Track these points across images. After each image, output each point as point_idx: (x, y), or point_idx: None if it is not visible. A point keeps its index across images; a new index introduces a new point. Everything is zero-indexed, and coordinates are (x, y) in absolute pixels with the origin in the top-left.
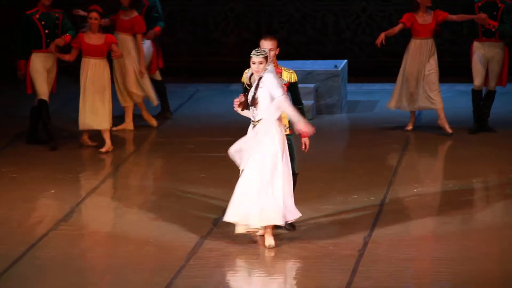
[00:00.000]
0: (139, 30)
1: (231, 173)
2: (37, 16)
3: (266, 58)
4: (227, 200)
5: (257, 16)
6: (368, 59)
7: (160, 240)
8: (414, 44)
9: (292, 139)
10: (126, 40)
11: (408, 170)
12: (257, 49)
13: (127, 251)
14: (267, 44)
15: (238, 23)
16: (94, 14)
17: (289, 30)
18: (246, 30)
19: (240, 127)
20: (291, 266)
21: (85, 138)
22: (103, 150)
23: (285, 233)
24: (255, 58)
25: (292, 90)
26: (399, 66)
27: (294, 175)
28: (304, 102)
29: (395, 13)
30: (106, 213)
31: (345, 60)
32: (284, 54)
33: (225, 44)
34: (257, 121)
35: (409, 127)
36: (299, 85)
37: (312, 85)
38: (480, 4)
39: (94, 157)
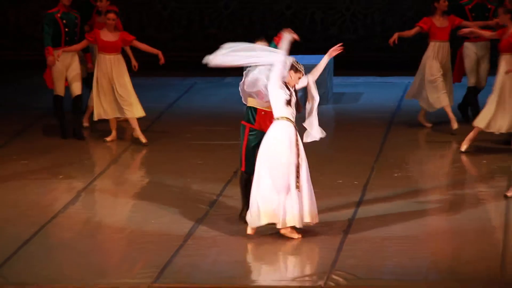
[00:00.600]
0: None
1: (227, 160)
2: (59, 15)
3: None
4: (221, 185)
5: (250, 14)
6: (353, 54)
7: (160, 222)
8: (433, 47)
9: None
10: None
11: (389, 157)
12: (298, 63)
13: (130, 233)
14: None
15: (232, 20)
16: (112, 15)
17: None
18: (241, 26)
19: (235, 116)
20: (280, 246)
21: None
22: (108, 139)
23: None
24: (300, 74)
25: None
26: (382, 61)
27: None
28: None
29: (377, 11)
30: (110, 198)
31: None
32: None
33: (221, 40)
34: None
35: (454, 126)
36: None
37: None
38: (470, 7)
39: (98, 145)
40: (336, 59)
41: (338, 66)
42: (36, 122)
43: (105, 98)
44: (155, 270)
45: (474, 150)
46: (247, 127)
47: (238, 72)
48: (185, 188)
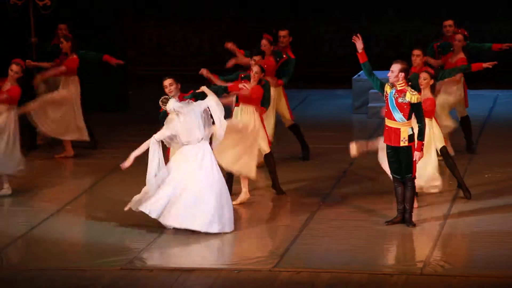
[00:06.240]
0: None
1: (337, 161)
2: None
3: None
4: (332, 183)
5: None
6: None
7: (279, 214)
8: None
9: None
10: None
11: (481, 160)
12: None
13: (250, 224)
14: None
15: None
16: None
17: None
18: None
19: (345, 124)
20: (385, 236)
21: None
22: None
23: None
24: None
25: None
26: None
27: None
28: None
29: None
30: None
31: None
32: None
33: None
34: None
35: None
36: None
37: None
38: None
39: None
40: None
41: None
42: None
43: None
44: (275, 257)
45: None
46: None
47: (348, 85)
48: (298, 185)
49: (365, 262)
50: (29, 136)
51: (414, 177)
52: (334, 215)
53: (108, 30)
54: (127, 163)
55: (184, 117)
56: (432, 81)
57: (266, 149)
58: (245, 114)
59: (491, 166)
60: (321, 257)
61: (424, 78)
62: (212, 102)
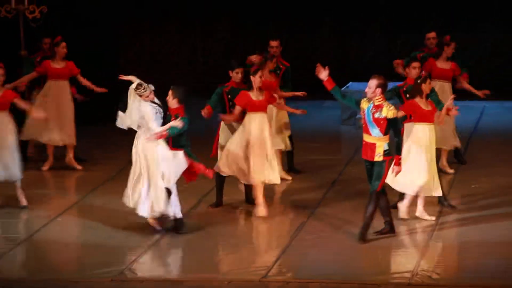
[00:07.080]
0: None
1: (325, 172)
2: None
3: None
4: (321, 193)
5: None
6: None
7: (265, 224)
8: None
9: None
10: None
11: (467, 171)
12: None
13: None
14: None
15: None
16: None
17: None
18: None
19: (334, 136)
20: (373, 246)
21: None
22: None
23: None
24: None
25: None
26: None
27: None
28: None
29: None
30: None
31: None
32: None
33: None
34: None
35: None
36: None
37: None
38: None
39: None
40: None
41: None
42: None
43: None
44: (265, 268)
45: None
46: None
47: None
48: (287, 196)
49: (353, 272)
50: (20, 148)
51: (380, 192)
52: (323, 226)
53: (101, 38)
54: None
55: (133, 106)
56: None
57: None
58: (255, 123)
59: (478, 177)
60: (310, 268)
61: (429, 83)
62: (153, 132)
